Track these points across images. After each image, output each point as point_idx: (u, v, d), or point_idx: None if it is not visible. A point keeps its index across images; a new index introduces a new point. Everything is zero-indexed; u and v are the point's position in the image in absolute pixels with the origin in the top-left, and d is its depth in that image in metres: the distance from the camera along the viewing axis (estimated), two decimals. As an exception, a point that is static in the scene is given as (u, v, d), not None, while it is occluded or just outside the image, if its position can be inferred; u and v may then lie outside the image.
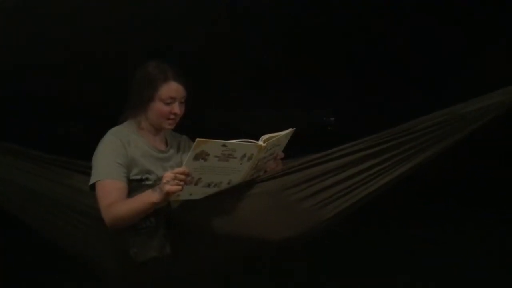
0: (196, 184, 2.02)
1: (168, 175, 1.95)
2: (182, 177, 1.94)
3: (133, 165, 2.18)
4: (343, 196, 2.18)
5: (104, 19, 3.01)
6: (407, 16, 3.18)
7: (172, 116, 2.24)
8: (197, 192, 2.06)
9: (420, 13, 3.16)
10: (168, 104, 2.22)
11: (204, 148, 1.93)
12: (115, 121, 2.32)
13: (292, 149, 2.31)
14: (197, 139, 1.90)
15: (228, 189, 2.12)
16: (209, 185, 2.07)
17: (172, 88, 2.22)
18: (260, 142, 2.07)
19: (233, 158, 2.02)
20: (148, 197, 2.01)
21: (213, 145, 1.94)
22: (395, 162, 2.20)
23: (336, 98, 3.41)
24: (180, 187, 1.94)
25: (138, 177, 2.19)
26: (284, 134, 2.17)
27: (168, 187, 1.94)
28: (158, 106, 2.22)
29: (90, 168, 2.20)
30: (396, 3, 3.12)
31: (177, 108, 2.23)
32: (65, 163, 2.38)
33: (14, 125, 3.02)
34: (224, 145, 1.96)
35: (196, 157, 1.94)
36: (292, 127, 2.20)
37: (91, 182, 2.15)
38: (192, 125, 2.46)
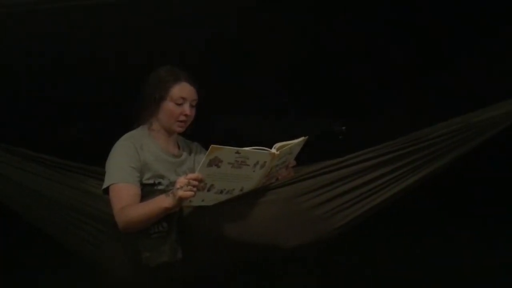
0: (208, 190, 2.03)
1: (181, 180, 1.96)
2: (195, 183, 1.95)
3: (146, 169, 2.20)
4: (356, 204, 2.18)
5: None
6: (414, 22, 3.20)
7: (182, 118, 2.27)
8: (209, 199, 2.07)
9: (426, 19, 3.17)
10: (179, 104, 2.26)
11: (218, 155, 1.94)
12: (126, 125, 2.34)
13: (303, 158, 2.32)
14: (212, 145, 1.91)
15: (240, 195, 2.13)
16: (221, 192, 2.07)
17: (183, 89, 2.27)
18: (273, 150, 2.08)
19: (246, 166, 2.03)
20: (161, 202, 2.02)
21: (226, 152, 1.95)
22: (408, 170, 2.20)
23: (347, 107, 3.42)
24: (193, 193, 1.95)
25: (151, 181, 2.20)
26: (297, 142, 2.17)
27: (181, 193, 1.95)
28: (169, 106, 2.26)
29: (103, 173, 2.21)
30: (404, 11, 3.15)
31: (187, 110, 2.26)
32: (77, 168, 2.39)
33: (25, 128, 3.03)
34: (237, 152, 1.97)
35: (210, 164, 1.95)
36: (303, 136, 2.20)
37: (104, 186, 2.16)
38: (201, 132, 2.47)
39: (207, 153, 1.92)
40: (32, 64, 3.07)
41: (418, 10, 3.14)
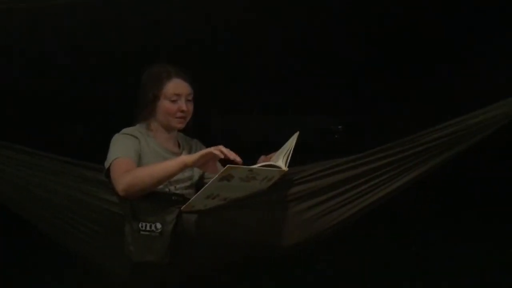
0: (213, 198, 2.08)
1: (216, 146, 2.02)
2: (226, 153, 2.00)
3: (144, 163, 2.18)
4: (347, 205, 2.19)
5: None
6: (416, 23, 3.19)
7: (179, 114, 2.26)
8: (212, 205, 2.12)
9: (428, 20, 3.16)
10: (174, 101, 2.24)
11: (231, 172, 1.98)
12: (125, 125, 2.34)
13: (299, 157, 2.32)
14: (228, 165, 1.95)
15: (234, 199, 2.13)
16: (225, 199, 2.12)
17: (176, 85, 2.25)
18: (282, 165, 2.10)
19: (255, 180, 2.06)
20: (180, 157, 2.09)
21: (240, 170, 2.00)
22: (400, 172, 2.19)
23: (344, 107, 3.42)
24: (219, 152, 2.00)
25: None
26: (295, 141, 2.18)
27: (211, 148, 2.01)
28: (164, 104, 2.25)
29: (100, 169, 2.19)
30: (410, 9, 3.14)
31: (184, 105, 2.25)
32: (73, 165, 2.30)
33: (24, 127, 3.05)
34: (250, 170, 2.01)
35: (222, 179, 2.00)
36: (300, 135, 2.19)
37: (107, 164, 2.13)
38: (198, 131, 2.47)
39: (222, 170, 1.96)
40: (31, 66, 3.09)
41: (418, 11, 3.13)
